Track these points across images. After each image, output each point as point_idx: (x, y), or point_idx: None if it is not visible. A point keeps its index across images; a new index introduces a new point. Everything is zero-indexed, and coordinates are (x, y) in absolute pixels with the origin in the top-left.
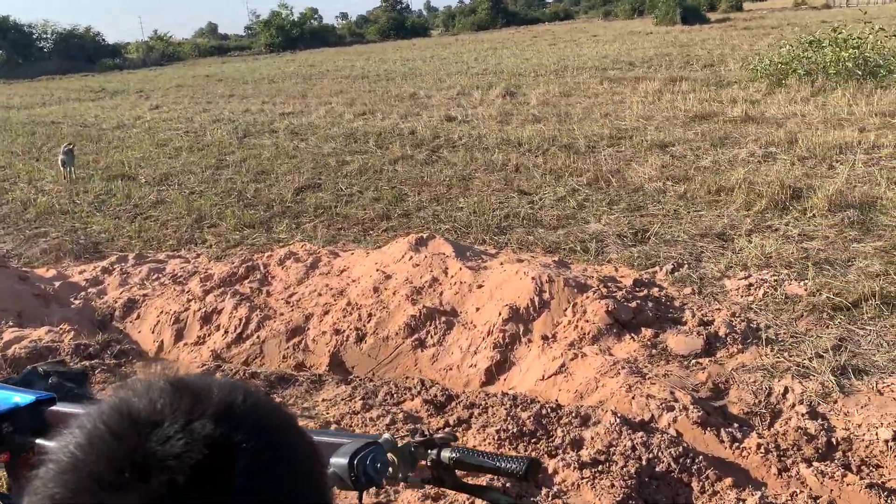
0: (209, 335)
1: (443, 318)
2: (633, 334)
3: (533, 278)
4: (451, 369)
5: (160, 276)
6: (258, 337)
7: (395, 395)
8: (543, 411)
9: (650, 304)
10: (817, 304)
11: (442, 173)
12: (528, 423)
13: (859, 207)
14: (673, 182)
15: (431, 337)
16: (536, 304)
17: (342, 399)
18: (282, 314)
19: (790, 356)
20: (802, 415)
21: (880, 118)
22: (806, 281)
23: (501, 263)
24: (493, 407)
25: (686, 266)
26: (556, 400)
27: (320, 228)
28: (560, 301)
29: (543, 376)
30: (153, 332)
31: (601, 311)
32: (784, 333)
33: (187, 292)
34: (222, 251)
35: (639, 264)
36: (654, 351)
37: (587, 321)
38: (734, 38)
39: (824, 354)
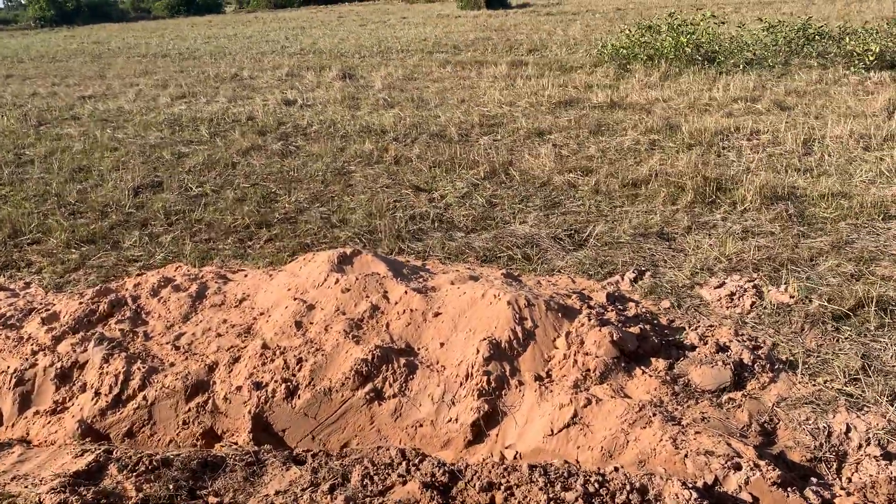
0: (71, 398)
1: (402, 360)
2: (643, 367)
3: (509, 303)
4: (421, 426)
5: None
6: (144, 398)
7: (375, 479)
8: (590, 487)
9: (647, 327)
10: (813, 314)
11: (309, 167)
12: None
13: (789, 199)
14: (578, 174)
15: (390, 385)
16: (520, 335)
17: (301, 489)
18: (172, 364)
19: (827, 383)
20: (876, 457)
21: (742, 104)
22: (784, 286)
23: (453, 283)
24: (520, 486)
25: (648, 273)
26: (577, 461)
27: (187, 242)
28: (546, 330)
29: (552, 430)
30: None
31: (604, 342)
32: (798, 352)
33: (27, 340)
34: (60, 277)
35: (594, 273)
36: (676, 388)
37: (587, 354)
38: (544, 24)
39: (859, 376)
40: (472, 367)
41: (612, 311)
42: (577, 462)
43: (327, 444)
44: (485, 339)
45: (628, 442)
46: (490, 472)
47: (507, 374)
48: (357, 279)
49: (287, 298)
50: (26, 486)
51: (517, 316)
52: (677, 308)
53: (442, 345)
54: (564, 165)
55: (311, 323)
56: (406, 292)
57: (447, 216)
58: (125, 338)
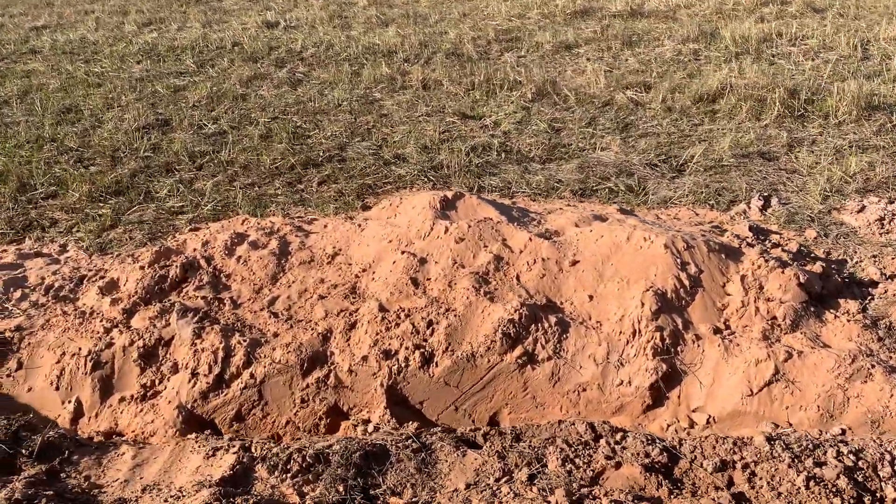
0: (161, 381)
1: (552, 318)
2: (834, 312)
3: (666, 246)
4: (584, 390)
5: (22, 290)
6: (251, 376)
7: (578, 463)
8: (846, 460)
9: (824, 265)
10: None
11: (327, 96)
12: (848, 490)
13: (884, 108)
14: (637, 90)
15: (542, 347)
16: (685, 282)
17: (496, 480)
18: (276, 335)
19: None
20: None
21: (773, 6)
22: None
23: (577, 225)
24: (760, 463)
25: (774, 199)
26: (789, 423)
27: (233, 189)
28: (713, 275)
29: (751, 390)
30: (57, 389)
31: (791, 285)
32: None
33: (92, 315)
34: (97, 237)
35: (714, 203)
36: (878, 332)
37: (770, 300)
38: None
39: None
40: (639, 323)
41: (773, 247)
42: (790, 424)
43: (473, 415)
44: (649, 289)
45: (849, 399)
46: (715, 447)
47: (680, 327)
48: (470, 227)
49: (391, 252)
50: (166, 501)
51: (678, 261)
52: (825, 238)
53: (591, 298)
54: (619, 82)
55: (429, 279)
56: (530, 239)
57: (511, 145)
58: (210, 307)
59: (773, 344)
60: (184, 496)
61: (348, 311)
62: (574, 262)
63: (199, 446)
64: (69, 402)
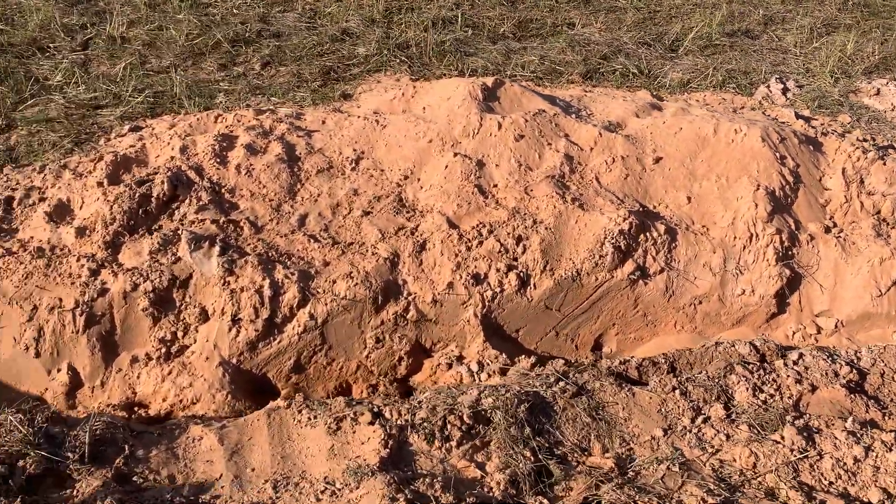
0: (185, 333)
1: (661, 227)
2: None
3: (763, 139)
4: (700, 303)
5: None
6: (311, 316)
7: (764, 388)
8: None
9: None
10: None
11: None
12: None
13: None
14: None
15: (654, 259)
16: (789, 178)
17: (686, 418)
18: (327, 263)
19: None
20: None
21: None
22: None
23: (637, 115)
24: None
25: (790, 81)
26: None
27: (166, 75)
28: (808, 168)
29: (880, 290)
30: (37, 356)
31: (888, 174)
32: None
33: (64, 253)
34: None
35: (735, 87)
36: None
37: (871, 194)
38: None
39: None
40: (754, 225)
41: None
42: None
43: (576, 340)
44: (758, 188)
45: None
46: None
47: (792, 227)
48: (527, 121)
49: (434, 154)
50: (319, 501)
51: (777, 154)
52: (858, 123)
53: (689, 199)
54: None
55: (495, 186)
56: (600, 134)
57: (476, 19)
58: (226, 232)
59: (889, 240)
60: (345, 490)
61: (407, 228)
62: (657, 160)
63: (306, 417)
64: (58, 370)
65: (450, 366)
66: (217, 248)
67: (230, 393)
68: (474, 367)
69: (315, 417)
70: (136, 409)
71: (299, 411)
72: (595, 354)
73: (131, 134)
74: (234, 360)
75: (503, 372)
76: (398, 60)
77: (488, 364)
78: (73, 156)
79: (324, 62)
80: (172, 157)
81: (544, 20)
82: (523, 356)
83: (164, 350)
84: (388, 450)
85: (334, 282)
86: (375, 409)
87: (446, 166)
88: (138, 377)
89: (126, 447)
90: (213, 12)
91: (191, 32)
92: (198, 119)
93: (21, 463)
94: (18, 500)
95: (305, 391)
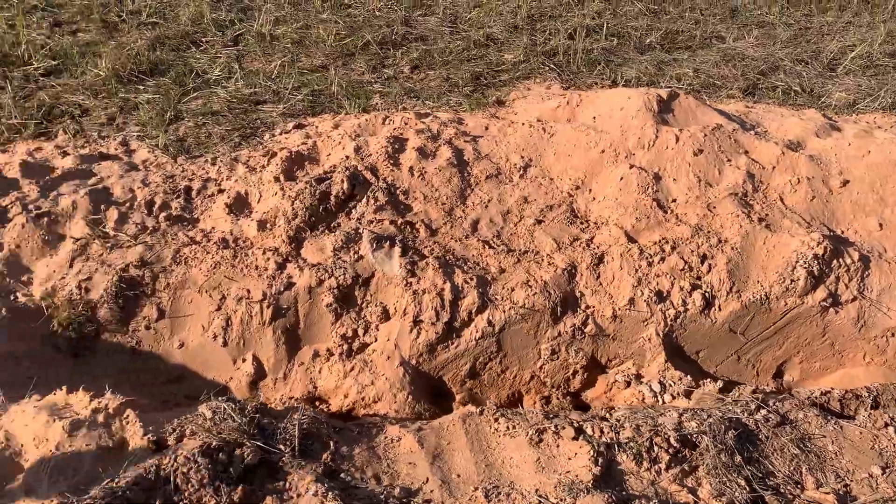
0: (367, 331)
1: (855, 254)
2: None
3: None
4: (893, 335)
5: (117, 208)
6: (489, 322)
7: None
8: None
9: None
10: None
11: None
12: None
13: None
14: None
15: (846, 286)
16: None
17: None
18: (502, 270)
19: None
20: None
21: None
22: None
23: (818, 135)
24: None
25: None
26: None
27: (324, 75)
28: None
29: None
30: (225, 345)
31: None
32: None
33: (248, 245)
34: (166, 132)
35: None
36: None
37: None
38: None
39: None
40: None
41: None
42: None
43: (758, 366)
44: None
45: None
46: None
47: None
48: (705, 136)
49: (606, 165)
50: None
51: None
52: None
53: (881, 226)
54: None
55: (674, 201)
56: (783, 153)
57: (621, 28)
58: (403, 233)
59: None
60: None
61: (582, 240)
62: (844, 182)
63: (504, 426)
64: (243, 359)
65: (627, 384)
66: (398, 249)
67: (411, 394)
68: (656, 387)
69: (514, 427)
70: (316, 403)
71: (495, 419)
72: (776, 382)
73: (296, 131)
74: (414, 362)
75: (687, 394)
76: (547, 68)
77: (671, 385)
78: (241, 149)
79: (472, 67)
80: (347, 157)
81: (691, 32)
82: (708, 380)
83: (345, 346)
84: (598, 467)
85: (512, 289)
86: (576, 424)
87: (621, 178)
88: (319, 372)
89: (331, 443)
90: (354, 13)
91: (339, 33)
92: (366, 120)
93: (238, 452)
94: (240, 488)
95: (478, 398)
